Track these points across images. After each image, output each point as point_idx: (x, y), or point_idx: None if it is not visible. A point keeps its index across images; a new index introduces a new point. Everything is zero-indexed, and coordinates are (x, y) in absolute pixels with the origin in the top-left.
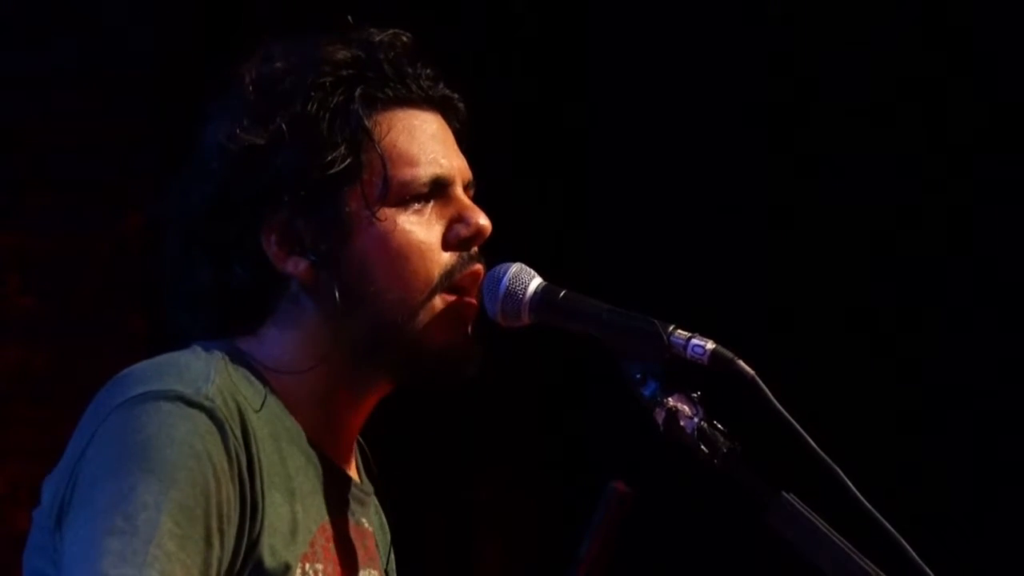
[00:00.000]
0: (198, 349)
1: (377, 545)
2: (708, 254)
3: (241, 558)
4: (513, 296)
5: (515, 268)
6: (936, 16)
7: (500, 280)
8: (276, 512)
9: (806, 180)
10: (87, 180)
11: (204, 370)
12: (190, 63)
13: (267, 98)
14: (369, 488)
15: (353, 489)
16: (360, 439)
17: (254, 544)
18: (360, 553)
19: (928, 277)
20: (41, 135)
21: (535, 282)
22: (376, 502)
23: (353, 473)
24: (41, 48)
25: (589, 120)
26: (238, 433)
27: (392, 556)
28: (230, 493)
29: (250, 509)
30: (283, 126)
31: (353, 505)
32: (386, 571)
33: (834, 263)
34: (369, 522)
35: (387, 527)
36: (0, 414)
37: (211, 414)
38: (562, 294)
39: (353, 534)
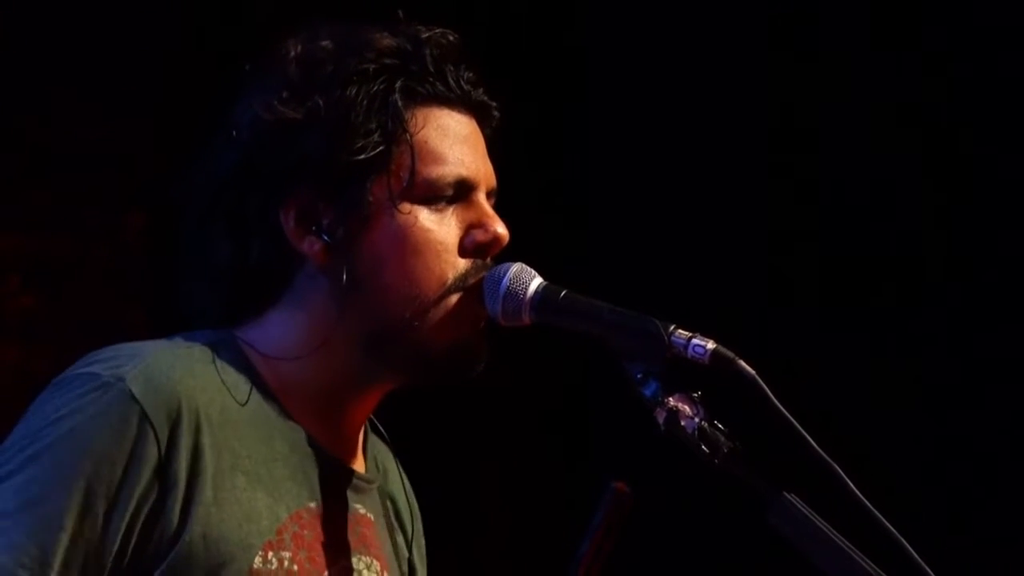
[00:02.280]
0: (177, 338)
1: (378, 532)
2: (709, 254)
3: (148, 539)
4: (514, 296)
5: (516, 268)
6: (938, 19)
7: (501, 280)
8: (231, 498)
9: (807, 180)
10: (87, 180)
11: (141, 352)
12: (190, 64)
13: (308, 75)
14: (371, 476)
15: (347, 476)
16: (376, 424)
17: (181, 527)
18: (352, 540)
19: (929, 277)
20: (41, 135)
21: (536, 282)
22: (408, 486)
23: (356, 463)
24: (42, 47)
25: (589, 119)
26: (160, 416)
27: (417, 542)
28: (115, 475)
29: (161, 490)
30: (320, 105)
31: (347, 493)
32: (410, 560)
33: (835, 263)
34: (369, 509)
35: (416, 512)
36: (0, 414)
37: (116, 395)
38: (563, 294)
39: (340, 521)
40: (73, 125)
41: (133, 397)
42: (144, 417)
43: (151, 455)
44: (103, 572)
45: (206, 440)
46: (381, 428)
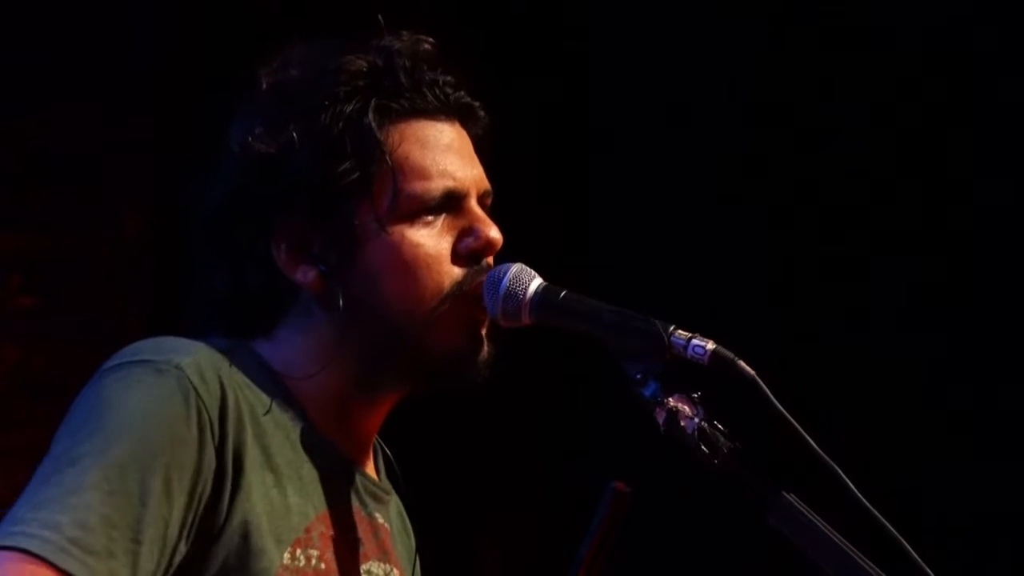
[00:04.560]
0: (200, 340)
1: (395, 543)
2: (709, 254)
3: (202, 523)
4: (513, 296)
5: (515, 268)
6: (935, 17)
7: (500, 280)
8: (264, 492)
9: (807, 180)
10: (87, 180)
11: (187, 347)
12: (190, 63)
13: (281, 106)
14: (387, 487)
15: (367, 484)
16: (384, 446)
17: (227, 515)
18: (369, 545)
19: (930, 278)
20: (41, 135)
21: (535, 282)
22: (401, 506)
23: (371, 471)
24: (41, 48)
25: (589, 119)
26: (213, 405)
27: (418, 564)
28: (187, 457)
29: (216, 478)
30: (295, 136)
31: (366, 499)
32: None
33: (835, 263)
34: (387, 520)
35: (412, 532)
36: (0, 414)
37: (178, 380)
38: (562, 294)
39: (362, 526)
40: (73, 125)
41: (191, 384)
42: (202, 405)
43: (209, 443)
44: (171, 555)
45: (245, 434)
46: (384, 446)
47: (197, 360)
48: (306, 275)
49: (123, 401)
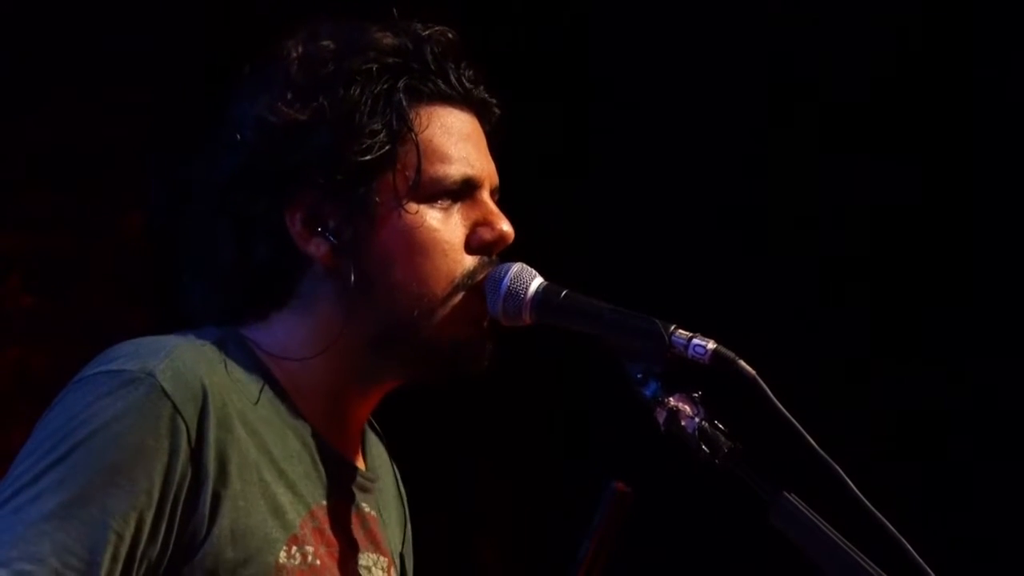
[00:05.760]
0: (188, 334)
1: (384, 528)
2: (710, 255)
3: (181, 529)
4: (514, 296)
5: (516, 268)
6: (937, 16)
7: (501, 280)
8: (256, 493)
9: (807, 181)
10: (87, 180)
11: (167, 348)
12: (190, 63)
13: (311, 76)
14: (373, 475)
15: (356, 475)
16: (371, 419)
17: (212, 519)
18: (360, 537)
19: (931, 279)
20: (41, 135)
21: (536, 282)
22: (396, 473)
23: (358, 461)
24: (41, 48)
25: (590, 119)
26: (190, 411)
27: (408, 530)
28: (155, 468)
29: (193, 484)
30: (325, 106)
31: (355, 491)
32: (402, 553)
33: (835, 263)
34: (372, 508)
35: (405, 499)
36: (0, 414)
37: (148, 390)
38: (563, 294)
39: (353, 519)
40: (73, 125)
41: (164, 391)
42: (176, 411)
43: (184, 449)
44: (147, 570)
45: (231, 435)
46: (372, 420)
47: (175, 364)
48: (319, 248)
49: (87, 419)
